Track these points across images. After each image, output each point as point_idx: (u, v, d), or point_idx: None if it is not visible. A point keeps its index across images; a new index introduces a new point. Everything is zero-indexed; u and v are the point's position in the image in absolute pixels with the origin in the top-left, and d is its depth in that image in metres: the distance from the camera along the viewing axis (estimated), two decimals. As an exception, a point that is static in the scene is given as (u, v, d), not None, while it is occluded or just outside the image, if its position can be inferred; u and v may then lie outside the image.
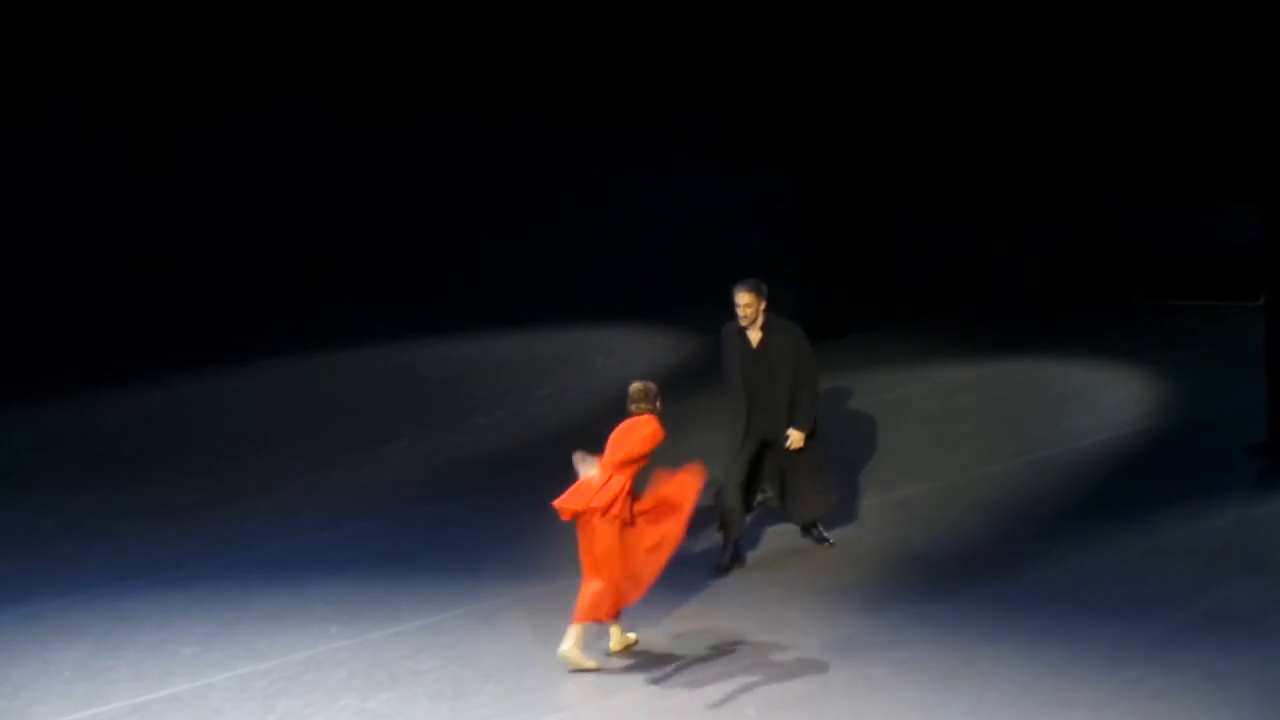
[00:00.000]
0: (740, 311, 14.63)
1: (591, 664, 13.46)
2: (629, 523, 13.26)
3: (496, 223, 23.40)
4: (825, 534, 15.65)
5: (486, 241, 23.35)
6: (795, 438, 14.88)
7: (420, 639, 14.38)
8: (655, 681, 13.50)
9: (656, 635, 14.15)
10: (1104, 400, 19.68)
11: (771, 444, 15.04)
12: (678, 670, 13.60)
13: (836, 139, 23.69)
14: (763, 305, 14.63)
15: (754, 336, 14.70)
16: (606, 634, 13.79)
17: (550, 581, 14.99)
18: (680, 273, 22.88)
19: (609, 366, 21.27)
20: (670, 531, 13.43)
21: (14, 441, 19.38)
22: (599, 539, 13.25)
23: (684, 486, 13.42)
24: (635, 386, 13.41)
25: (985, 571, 15.42)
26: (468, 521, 17.03)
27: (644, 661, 13.79)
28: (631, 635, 13.80)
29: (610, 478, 13.21)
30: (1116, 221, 23.83)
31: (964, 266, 23.16)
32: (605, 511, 13.16)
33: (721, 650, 13.91)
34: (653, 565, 13.45)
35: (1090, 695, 13.11)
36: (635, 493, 13.35)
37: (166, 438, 19.39)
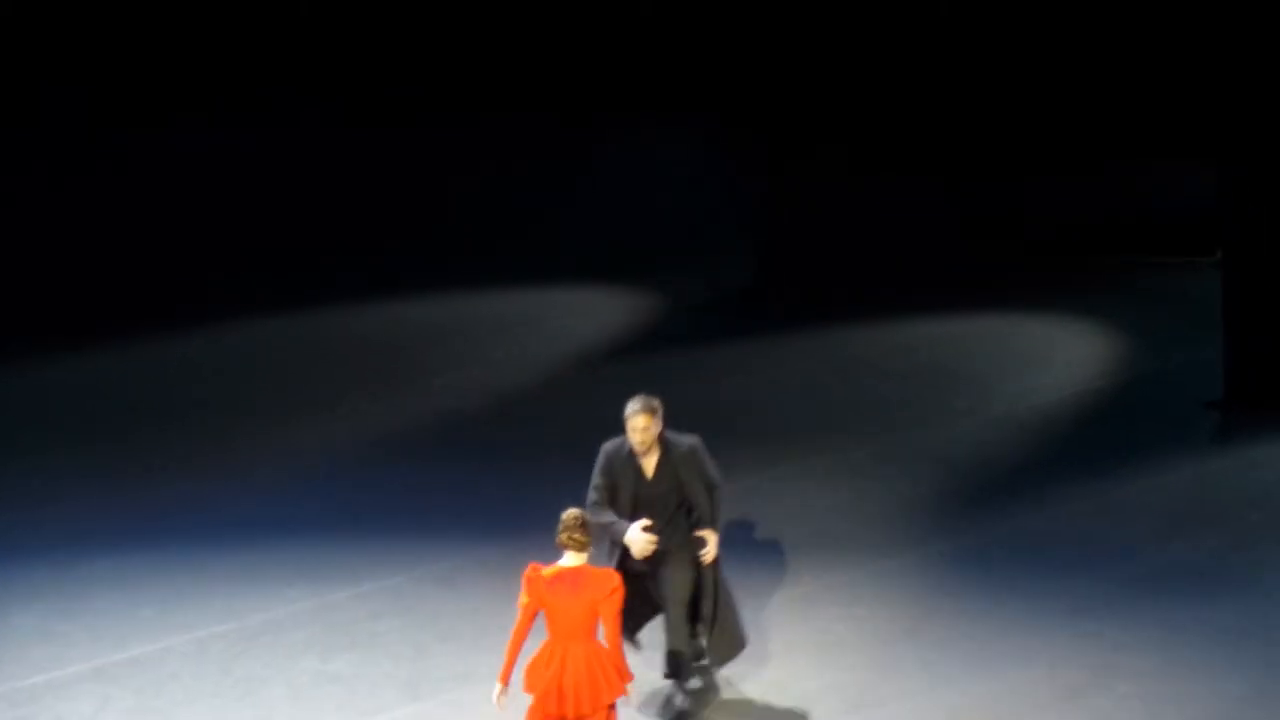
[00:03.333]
0: (637, 437, 11.83)
1: None
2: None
3: (456, 193, 23.41)
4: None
5: (445, 208, 23.33)
6: (711, 543, 12.04)
7: (379, 601, 14.34)
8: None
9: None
10: (1062, 357, 19.76)
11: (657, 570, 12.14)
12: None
13: (793, 107, 23.72)
14: (660, 425, 11.91)
15: (649, 463, 11.92)
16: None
17: (509, 543, 14.97)
18: (640, 235, 22.88)
19: (567, 327, 21.23)
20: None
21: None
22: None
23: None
24: (570, 514, 10.87)
25: (944, 528, 15.47)
26: (426, 483, 16.97)
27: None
28: None
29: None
30: (1075, 183, 23.90)
31: (922, 228, 23.21)
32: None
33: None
34: None
35: (1049, 649, 13.18)
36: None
37: (120, 403, 19.26)
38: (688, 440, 12.01)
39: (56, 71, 22.18)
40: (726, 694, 12.64)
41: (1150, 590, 14.06)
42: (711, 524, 12.01)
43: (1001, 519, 15.58)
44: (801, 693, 12.63)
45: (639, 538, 11.64)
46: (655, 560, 11.87)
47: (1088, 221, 23.54)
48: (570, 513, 10.78)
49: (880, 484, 16.46)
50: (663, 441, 11.87)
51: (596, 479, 11.90)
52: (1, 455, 17.94)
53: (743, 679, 12.81)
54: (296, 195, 22.88)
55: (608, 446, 11.97)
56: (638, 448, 11.82)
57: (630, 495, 11.87)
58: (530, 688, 10.75)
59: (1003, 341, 20.29)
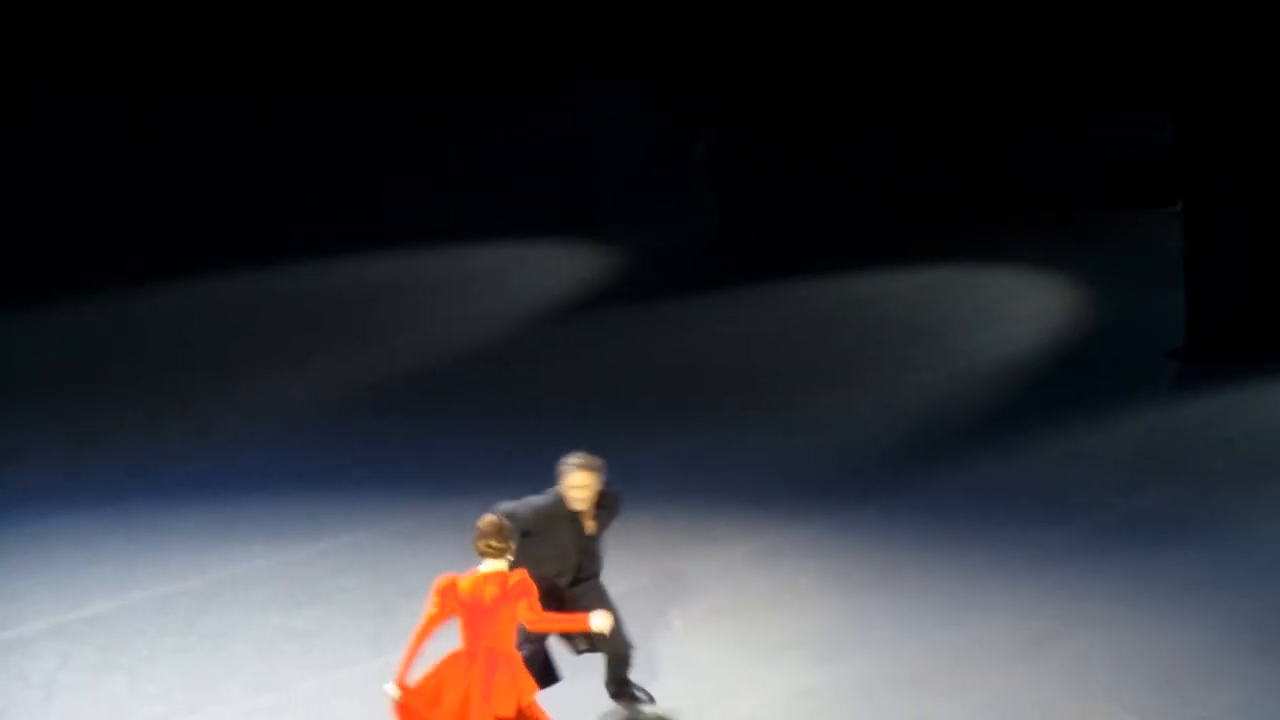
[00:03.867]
0: (577, 494, 11.09)
1: None
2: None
3: (419, 155, 23.24)
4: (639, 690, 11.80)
5: (408, 168, 23.18)
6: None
7: (343, 557, 14.24)
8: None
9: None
10: (1023, 309, 19.75)
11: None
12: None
13: (747, 62, 23.61)
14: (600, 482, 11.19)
15: (589, 522, 11.24)
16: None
17: (471, 499, 14.88)
18: (597, 191, 22.77)
19: (529, 283, 21.13)
20: None
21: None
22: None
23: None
24: (487, 521, 10.27)
25: (908, 480, 15.44)
26: (388, 439, 16.88)
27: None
28: None
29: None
30: (1035, 135, 23.86)
31: (880, 182, 23.15)
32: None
33: (645, 563, 13.86)
34: None
35: (1015, 599, 13.15)
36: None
37: (80, 359, 19.13)
38: (613, 489, 11.32)
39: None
40: (692, 648, 12.58)
41: (1116, 540, 14.04)
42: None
43: (966, 470, 15.55)
44: (768, 645, 12.57)
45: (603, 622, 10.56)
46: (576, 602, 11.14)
47: (1048, 172, 23.52)
48: (487, 519, 10.19)
49: (843, 437, 16.42)
50: (599, 496, 11.19)
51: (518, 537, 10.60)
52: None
53: (710, 632, 12.75)
54: (262, 153, 22.65)
55: (538, 502, 11.10)
56: (577, 505, 11.09)
57: (572, 550, 11.15)
58: (414, 698, 9.96)
59: (962, 294, 20.29)
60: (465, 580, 10.07)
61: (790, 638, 12.69)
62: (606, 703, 11.40)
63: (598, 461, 11.17)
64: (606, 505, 11.28)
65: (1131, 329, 18.70)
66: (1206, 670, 12.08)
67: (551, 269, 21.58)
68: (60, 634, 13.03)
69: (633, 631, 12.68)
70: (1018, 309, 19.74)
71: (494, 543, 10.10)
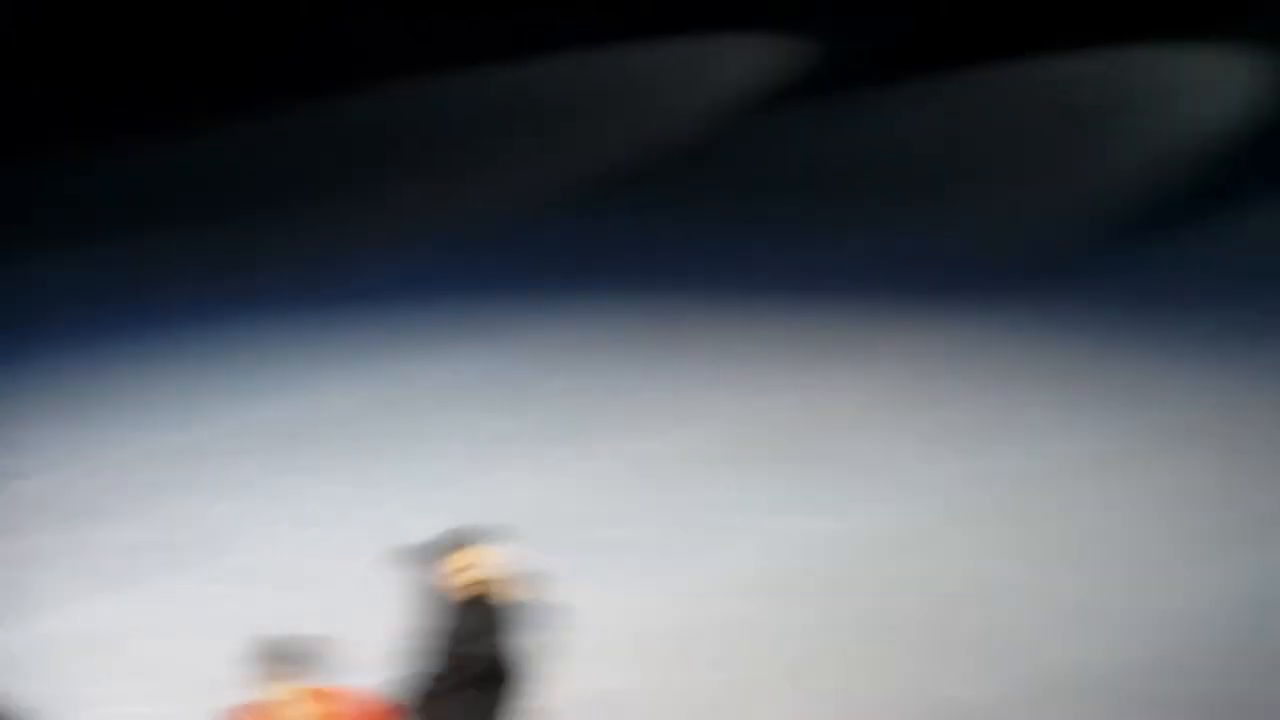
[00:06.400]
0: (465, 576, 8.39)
1: None
2: None
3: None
4: None
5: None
6: None
7: (531, 361, 14.04)
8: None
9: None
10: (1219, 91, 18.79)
11: None
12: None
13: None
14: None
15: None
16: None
17: (632, 301, 14.61)
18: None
19: (720, 77, 20.58)
20: None
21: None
22: None
23: None
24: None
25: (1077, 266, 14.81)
26: (586, 241, 16.58)
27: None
28: None
29: None
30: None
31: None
32: None
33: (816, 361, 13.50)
34: None
35: (1181, 383, 12.56)
36: None
37: (237, 178, 18.94)
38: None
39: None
40: (855, 441, 12.18)
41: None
42: None
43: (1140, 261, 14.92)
44: (928, 427, 12.15)
45: None
46: None
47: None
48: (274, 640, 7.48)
49: (1025, 225, 15.83)
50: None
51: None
52: (51, 249, 17.48)
53: (874, 423, 12.36)
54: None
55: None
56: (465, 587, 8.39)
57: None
58: None
59: (1159, 69, 19.37)
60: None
61: (953, 426, 12.30)
62: None
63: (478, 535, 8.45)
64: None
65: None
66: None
67: (742, 61, 21.01)
68: (239, 437, 12.92)
69: (793, 432, 12.35)
70: (1212, 89, 18.79)
71: (280, 668, 7.41)
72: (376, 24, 21.51)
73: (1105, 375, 12.87)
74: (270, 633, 7.59)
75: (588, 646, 9.99)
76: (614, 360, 13.83)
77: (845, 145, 18.37)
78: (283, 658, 7.38)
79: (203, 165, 18.99)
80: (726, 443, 12.39)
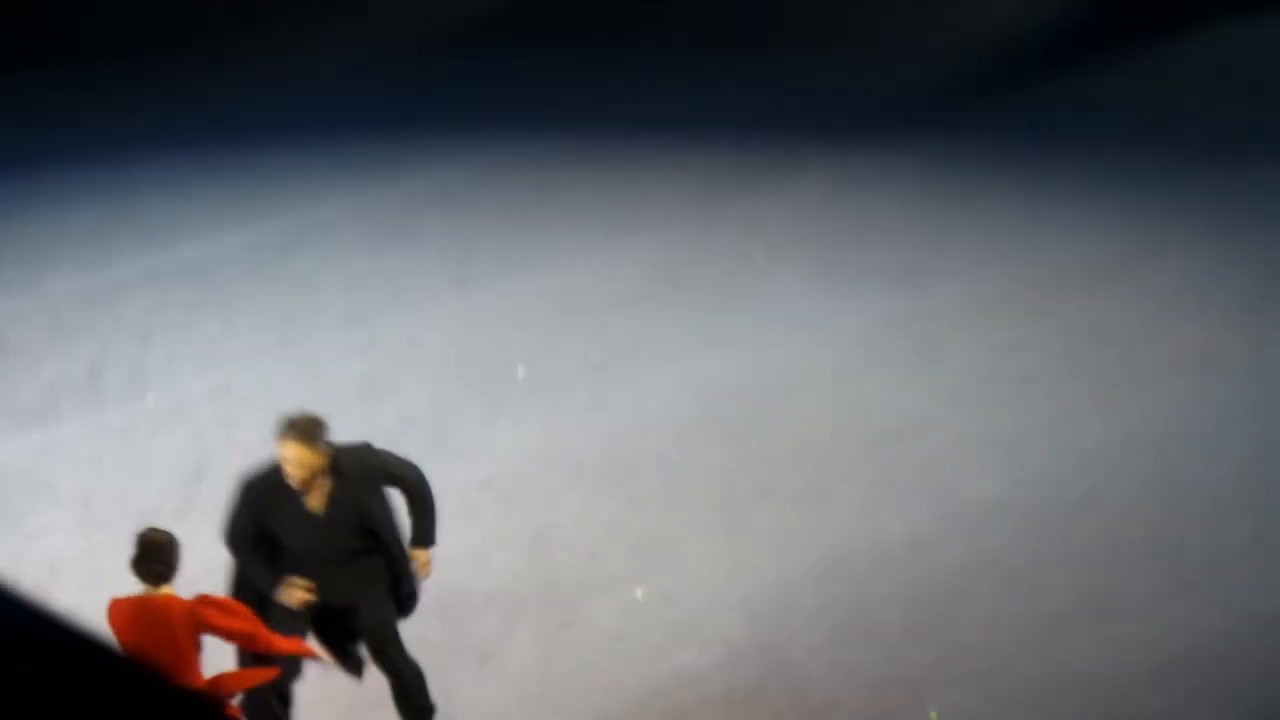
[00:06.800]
0: (289, 471, 7.83)
1: None
2: None
3: None
4: None
5: None
6: (422, 559, 8.15)
7: (425, 198, 13.91)
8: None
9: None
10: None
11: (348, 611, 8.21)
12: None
13: None
14: (324, 457, 7.83)
15: (315, 501, 7.93)
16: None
17: (553, 139, 14.49)
18: None
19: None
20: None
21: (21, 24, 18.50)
22: None
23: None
24: (149, 536, 7.51)
25: (982, 104, 14.83)
26: (471, 80, 16.37)
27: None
28: None
29: None
30: None
31: None
32: None
33: (724, 200, 13.50)
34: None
35: (1097, 221, 12.65)
36: None
37: (158, 8, 18.57)
38: (360, 455, 8.03)
39: None
40: (773, 281, 12.23)
41: (1201, 160, 13.47)
42: (422, 540, 8.14)
43: (1043, 94, 14.91)
44: (851, 274, 12.18)
45: (291, 589, 7.94)
46: (346, 621, 8.16)
47: None
48: (150, 533, 7.47)
49: (921, 63, 15.75)
50: (333, 470, 7.89)
51: (238, 523, 7.97)
52: (51, 62, 17.32)
53: (790, 263, 12.36)
54: None
55: (252, 480, 7.99)
56: (293, 483, 7.83)
57: (298, 543, 7.95)
58: None
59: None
60: (127, 601, 7.43)
61: (872, 265, 12.33)
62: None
63: (312, 424, 7.82)
64: (368, 486, 7.96)
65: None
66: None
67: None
68: (153, 277, 12.81)
69: (711, 272, 12.35)
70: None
71: (155, 566, 7.40)
72: None
73: (1026, 212, 12.86)
74: (148, 530, 7.47)
75: (512, 484, 10.07)
76: (524, 197, 13.72)
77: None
78: (160, 558, 7.36)
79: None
80: (644, 280, 12.32)
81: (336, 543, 7.89)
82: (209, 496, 9.39)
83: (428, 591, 8.19)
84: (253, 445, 9.95)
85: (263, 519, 7.89)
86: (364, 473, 7.93)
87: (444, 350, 11.54)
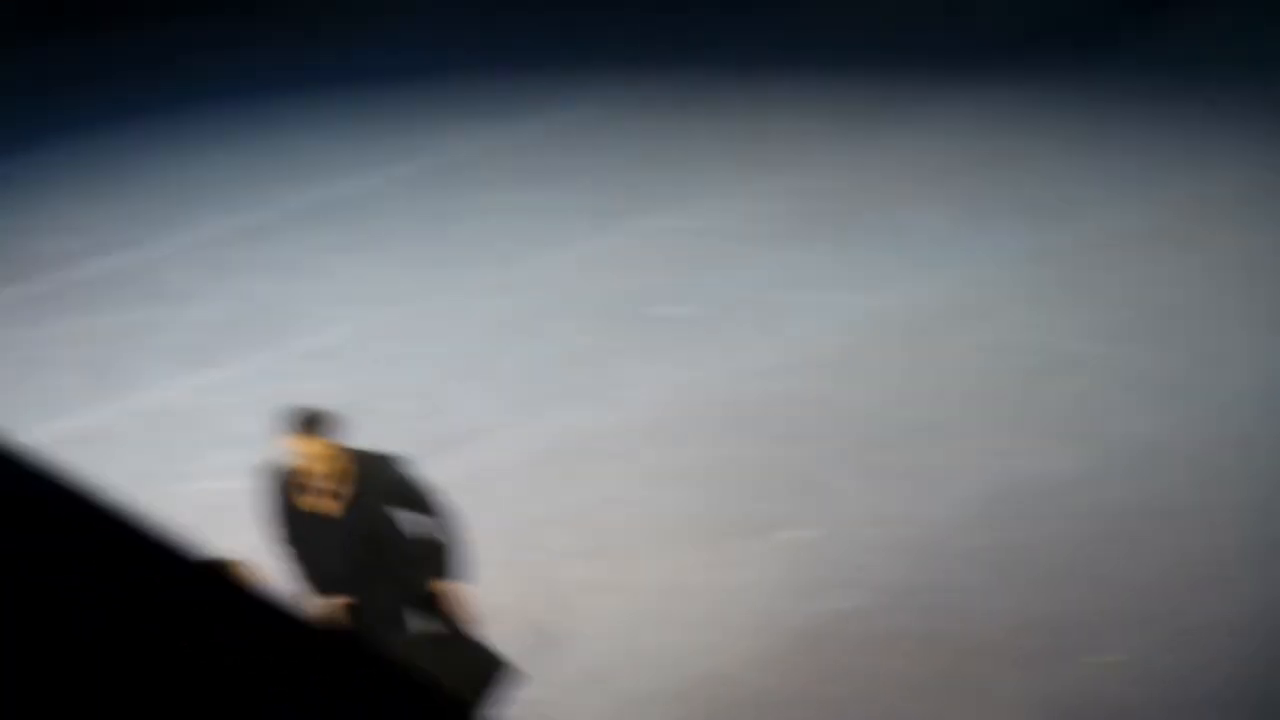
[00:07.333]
0: (302, 466, 7.28)
1: None
2: None
3: None
4: None
5: None
6: (452, 593, 7.38)
7: (564, 135, 13.87)
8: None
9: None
10: None
11: None
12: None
13: None
14: (333, 448, 7.22)
15: (330, 503, 7.29)
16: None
17: (676, 75, 14.40)
18: None
19: None
20: None
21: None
22: None
23: None
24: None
25: (1125, 32, 14.56)
26: (597, 15, 16.27)
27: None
28: None
29: None
30: None
31: None
32: None
33: (844, 139, 13.33)
34: None
35: (1243, 151, 12.43)
36: None
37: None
38: (383, 465, 7.37)
39: None
40: (917, 214, 12.10)
41: None
42: (444, 572, 7.37)
43: (1185, 22, 14.59)
44: (993, 209, 12.07)
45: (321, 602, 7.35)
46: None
47: None
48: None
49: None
50: (351, 468, 7.26)
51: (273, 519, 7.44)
52: (194, 11, 17.40)
53: (931, 199, 12.24)
54: None
55: (272, 472, 7.43)
56: (307, 481, 7.26)
57: (310, 548, 7.34)
58: None
59: None
60: None
61: (1018, 200, 12.15)
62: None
63: (318, 417, 7.22)
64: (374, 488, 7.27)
65: None
66: None
67: None
68: (300, 218, 12.89)
69: (854, 208, 12.19)
70: None
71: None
72: None
73: (1172, 144, 12.62)
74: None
75: (659, 424, 10.02)
76: (661, 134, 13.66)
77: None
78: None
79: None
80: (786, 217, 12.23)
81: (351, 551, 7.21)
82: (365, 438, 9.43)
83: (589, 537, 8.18)
84: (403, 386, 10.01)
85: (283, 517, 7.32)
86: (384, 485, 7.27)
87: (590, 289, 11.51)
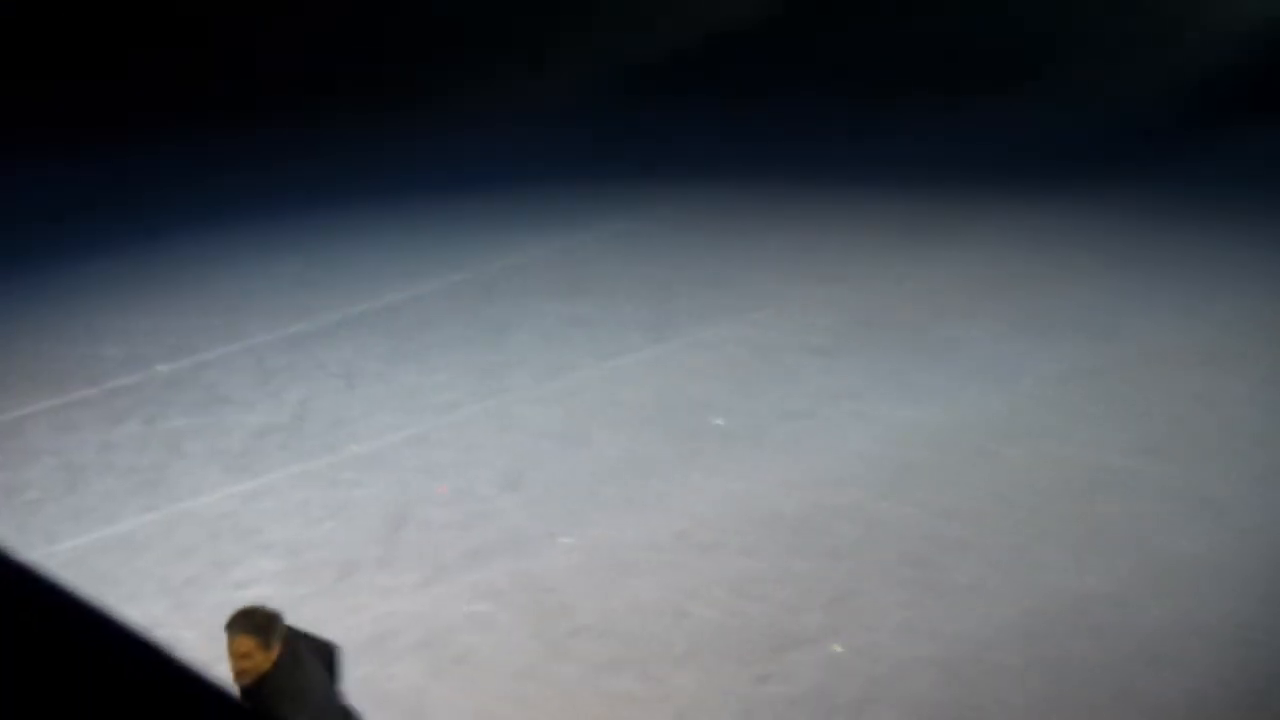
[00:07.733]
0: (235, 666, 6.61)
1: None
2: None
3: None
4: None
5: None
6: None
7: (618, 245, 13.93)
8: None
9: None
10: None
11: None
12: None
13: None
14: (277, 650, 6.63)
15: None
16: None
17: (743, 184, 14.43)
18: None
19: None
20: None
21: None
22: None
23: None
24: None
25: (1173, 153, 14.54)
26: (658, 127, 16.41)
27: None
28: None
29: None
30: None
31: None
32: None
33: (899, 250, 13.31)
34: None
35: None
36: None
37: (366, 52, 18.88)
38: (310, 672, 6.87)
39: None
40: (966, 330, 12.06)
41: None
42: None
43: (1238, 143, 14.59)
44: (1045, 325, 12.00)
45: None
46: None
47: None
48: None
49: (1109, 109, 15.52)
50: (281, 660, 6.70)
51: None
52: (261, 115, 17.66)
53: (982, 314, 12.21)
54: None
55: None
56: (238, 679, 6.63)
57: None
58: None
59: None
60: None
61: (1069, 314, 12.10)
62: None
63: (270, 620, 6.66)
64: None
65: None
66: None
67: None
68: (353, 326, 12.96)
69: (907, 320, 12.17)
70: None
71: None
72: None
73: (1222, 261, 12.58)
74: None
75: (709, 534, 9.96)
76: (716, 246, 13.70)
77: (904, 36, 18.08)
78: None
79: (288, 62, 18.87)
80: (840, 329, 12.21)
81: None
82: (409, 546, 9.42)
83: (625, 647, 8.10)
84: (451, 495, 10.00)
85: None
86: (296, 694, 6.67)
87: (639, 399, 11.50)
